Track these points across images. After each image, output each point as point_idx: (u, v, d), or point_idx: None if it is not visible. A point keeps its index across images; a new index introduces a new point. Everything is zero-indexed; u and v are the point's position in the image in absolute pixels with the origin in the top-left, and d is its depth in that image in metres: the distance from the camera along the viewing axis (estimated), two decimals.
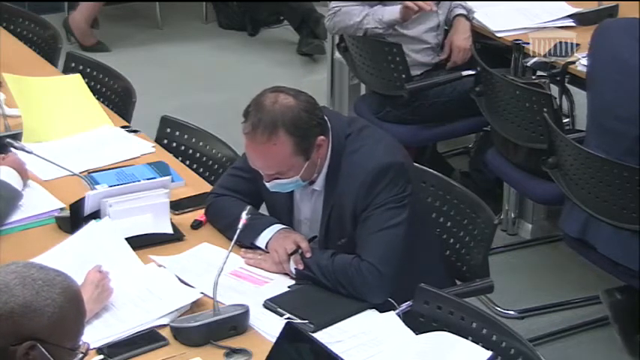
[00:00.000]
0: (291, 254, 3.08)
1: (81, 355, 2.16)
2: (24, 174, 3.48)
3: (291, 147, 3.00)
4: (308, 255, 3.08)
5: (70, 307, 2.11)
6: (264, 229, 3.18)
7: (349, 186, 3.08)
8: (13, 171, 3.42)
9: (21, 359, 2.07)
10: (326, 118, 3.10)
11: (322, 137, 3.06)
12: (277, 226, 3.19)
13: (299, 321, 2.86)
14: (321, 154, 3.09)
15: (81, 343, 2.16)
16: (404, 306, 2.96)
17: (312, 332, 2.77)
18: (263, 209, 3.35)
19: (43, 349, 2.07)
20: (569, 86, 4.57)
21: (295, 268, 3.08)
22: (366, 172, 3.05)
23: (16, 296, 2.06)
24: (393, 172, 3.05)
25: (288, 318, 2.88)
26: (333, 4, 4.76)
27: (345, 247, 3.10)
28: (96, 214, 3.25)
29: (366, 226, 3.05)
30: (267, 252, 3.15)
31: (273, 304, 2.95)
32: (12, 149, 3.51)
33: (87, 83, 4.17)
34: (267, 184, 3.11)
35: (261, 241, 3.17)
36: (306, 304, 2.97)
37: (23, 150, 3.52)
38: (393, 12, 4.65)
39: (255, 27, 7.22)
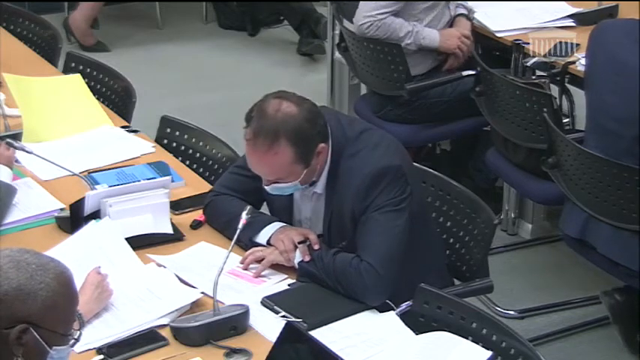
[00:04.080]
0: (300, 243, 3.08)
1: (73, 341, 2.16)
2: (11, 166, 3.48)
3: (292, 156, 3.00)
4: (316, 247, 3.08)
5: (62, 292, 2.11)
6: (265, 225, 3.18)
7: (347, 190, 3.08)
8: (3, 167, 3.42)
9: (13, 342, 2.06)
10: (327, 122, 3.10)
11: (323, 145, 3.06)
12: (279, 224, 3.19)
13: (293, 319, 2.86)
14: (321, 161, 3.09)
15: (73, 330, 2.16)
16: (404, 306, 2.96)
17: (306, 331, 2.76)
18: (264, 209, 3.34)
19: (36, 334, 2.08)
20: (569, 86, 4.56)
21: (299, 263, 3.08)
22: (363, 175, 3.05)
23: (10, 279, 2.07)
24: (390, 175, 3.05)
25: (284, 316, 2.88)
26: (368, 7, 4.70)
27: (346, 249, 3.09)
28: (96, 214, 3.25)
29: (365, 229, 3.05)
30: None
31: (271, 302, 2.95)
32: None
33: (87, 83, 4.16)
34: (267, 188, 3.11)
35: (262, 237, 3.16)
36: (303, 303, 2.97)
37: (23, 150, 3.52)
38: (432, 40, 4.69)
39: (255, 27, 7.22)
